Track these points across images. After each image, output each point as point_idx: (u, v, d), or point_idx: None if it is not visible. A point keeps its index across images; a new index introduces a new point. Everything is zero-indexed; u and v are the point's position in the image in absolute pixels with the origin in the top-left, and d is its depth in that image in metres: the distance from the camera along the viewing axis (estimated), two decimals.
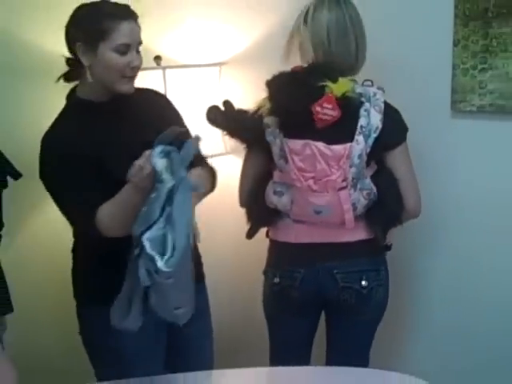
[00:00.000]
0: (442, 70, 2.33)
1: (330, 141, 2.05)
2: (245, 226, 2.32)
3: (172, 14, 2.85)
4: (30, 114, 2.60)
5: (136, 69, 2.02)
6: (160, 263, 1.65)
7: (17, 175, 2.09)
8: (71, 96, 2.08)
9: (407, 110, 2.17)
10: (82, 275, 2.15)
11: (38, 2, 2.58)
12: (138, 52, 2.01)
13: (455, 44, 2.30)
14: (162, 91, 2.48)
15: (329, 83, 2.02)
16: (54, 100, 2.27)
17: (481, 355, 2.45)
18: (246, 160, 2.24)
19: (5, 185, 2.06)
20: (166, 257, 1.67)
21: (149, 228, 1.68)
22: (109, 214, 1.95)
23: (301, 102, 2.02)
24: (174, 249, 1.67)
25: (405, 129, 2.17)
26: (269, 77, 2.13)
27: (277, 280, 2.25)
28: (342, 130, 2.05)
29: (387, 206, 2.16)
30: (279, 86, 2.08)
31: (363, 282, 2.19)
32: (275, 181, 2.16)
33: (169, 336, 2.16)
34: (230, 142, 2.59)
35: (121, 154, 1.95)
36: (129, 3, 2.04)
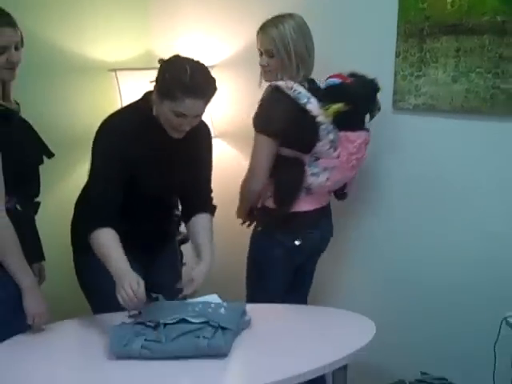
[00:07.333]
0: (386, 76, 2.56)
1: (361, 130, 2.42)
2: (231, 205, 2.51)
3: (174, 28, 3.20)
4: (55, 103, 2.89)
5: (184, 127, 2.12)
6: None
7: (50, 155, 2.26)
8: (146, 96, 2.18)
9: None
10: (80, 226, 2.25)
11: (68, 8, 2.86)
12: (195, 118, 2.11)
13: (397, 56, 2.56)
14: None
15: None
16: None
17: (408, 292, 2.72)
18: (262, 155, 2.36)
19: (41, 162, 2.24)
20: None
21: None
22: (98, 245, 2.05)
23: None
24: None
25: None
26: (249, 77, 2.43)
27: (298, 242, 2.44)
28: (359, 121, 2.43)
29: None
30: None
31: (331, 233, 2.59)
32: (309, 166, 2.37)
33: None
34: (218, 127, 2.90)
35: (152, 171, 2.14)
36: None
